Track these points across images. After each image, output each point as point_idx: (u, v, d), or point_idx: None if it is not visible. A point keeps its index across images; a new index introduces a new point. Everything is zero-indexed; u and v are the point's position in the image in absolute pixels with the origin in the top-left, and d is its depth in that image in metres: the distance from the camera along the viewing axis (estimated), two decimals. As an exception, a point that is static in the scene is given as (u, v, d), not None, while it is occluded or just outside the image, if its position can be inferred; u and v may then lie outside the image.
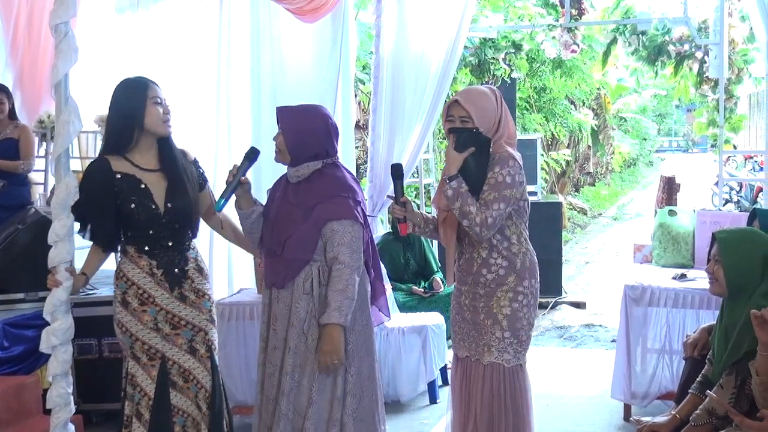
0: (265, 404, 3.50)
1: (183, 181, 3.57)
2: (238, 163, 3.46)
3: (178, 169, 3.58)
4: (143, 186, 3.50)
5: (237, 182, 3.40)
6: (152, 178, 3.53)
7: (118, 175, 3.48)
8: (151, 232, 3.51)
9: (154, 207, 3.50)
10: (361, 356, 3.50)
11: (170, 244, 3.56)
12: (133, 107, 3.48)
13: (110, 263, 6.26)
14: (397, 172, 3.53)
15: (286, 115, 3.49)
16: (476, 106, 3.36)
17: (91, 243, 3.62)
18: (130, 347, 3.51)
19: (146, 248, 3.52)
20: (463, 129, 3.37)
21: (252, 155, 3.48)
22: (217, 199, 3.48)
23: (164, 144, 3.58)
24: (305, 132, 3.44)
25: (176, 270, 3.56)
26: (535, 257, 3.54)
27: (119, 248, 3.60)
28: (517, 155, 3.46)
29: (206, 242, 5.52)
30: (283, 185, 3.55)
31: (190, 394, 3.55)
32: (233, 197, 3.47)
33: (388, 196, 3.61)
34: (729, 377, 3.37)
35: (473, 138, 3.35)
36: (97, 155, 3.65)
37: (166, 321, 3.53)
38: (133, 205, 3.47)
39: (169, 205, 3.52)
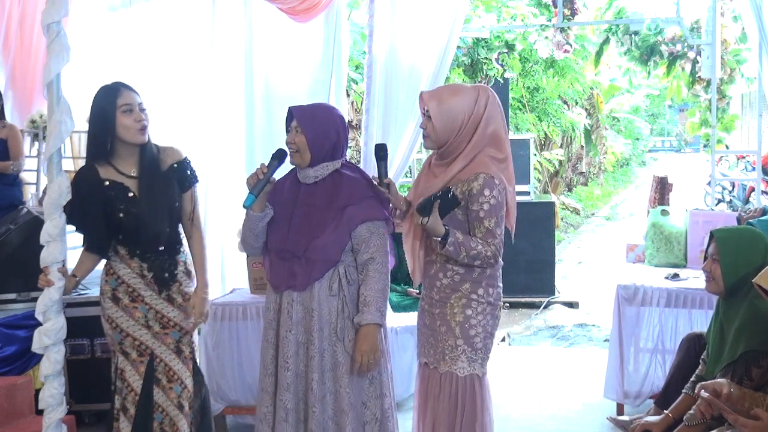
0: (283, 415, 3.40)
1: (159, 186, 3.60)
2: (266, 162, 3.40)
3: (153, 174, 3.60)
4: (131, 194, 3.55)
5: (266, 181, 3.35)
6: (136, 184, 3.57)
7: (107, 182, 3.53)
8: (141, 236, 3.58)
9: (140, 214, 3.54)
10: (389, 356, 3.55)
11: (161, 248, 3.62)
12: (105, 116, 3.51)
13: (101, 263, 6.24)
14: (380, 152, 3.41)
15: (305, 114, 3.43)
16: (439, 101, 3.23)
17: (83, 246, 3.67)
18: (119, 343, 3.57)
19: (138, 251, 3.59)
20: (417, 206, 3.25)
21: (281, 156, 3.42)
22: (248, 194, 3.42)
23: (143, 149, 3.59)
24: (326, 131, 3.40)
25: (166, 274, 3.62)
26: (499, 267, 3.38)
27: (111, 247, 3.63)
28: (499, 173, 3.28)
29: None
30: (290, 188, 3.51)
31: (172, 394, 3.59)
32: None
33: (372, 177, 3.39)
34: (724, 377, 3.37)
35: (427, 203, 3.21)
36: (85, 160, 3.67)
37: (155, 320, 3.60)
38: (121, 215, 3.53)
39: (149, 211, 3.56)
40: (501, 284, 3.41)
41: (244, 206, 3.39)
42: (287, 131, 3.46)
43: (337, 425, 3.37)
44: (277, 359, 3.45)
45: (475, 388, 3.31)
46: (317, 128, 3.38)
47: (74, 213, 3.53)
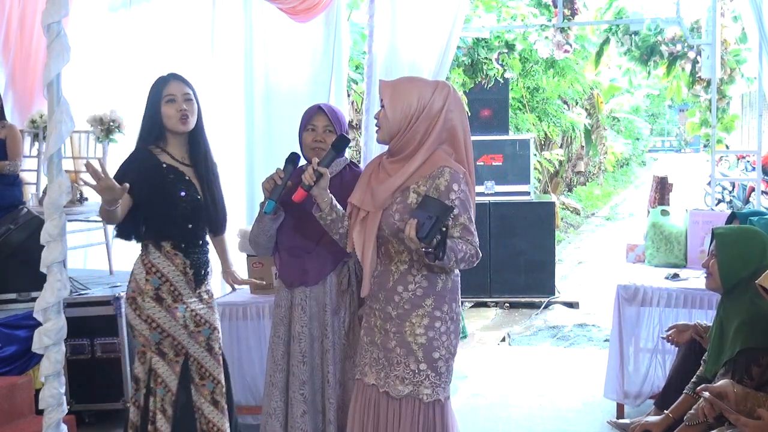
0: (303, 408, 3.52)
1: (212, 176, 3.73)
2: (281, 167, 3.47)
3: (206, 164, 3.72)
4: (187, 178, 3.64)
5: (284, 185, 3.41)
6: (190, 172, 3.67)
7: (164, 165, 3.62)
8: (190, 226, 3.64)
9: (199, 197, 3.64)
10: None
11: (200, 242, 3.71)
12: (153, 105, 3.63)
13: (102, 263, 6.23)
14: (340, 143, 3.31)
15: (334, 114, 3.58)
16: (394, 88, 3.05)
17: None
18: (157, 343, 3.59)
19: (183, 245, 3.63)
20: (419, 232, 2.79)
21: (294, 159, 3.51)
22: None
23: (193, 139, 3.70)
24: (346, 129, 3.60)
25: (203, 272, 3.71)
26: (459, 279, 3.15)
27: (150, 242, 3.64)
28: (461, 168, 3.05)
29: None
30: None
31: (205, 391, 3.67)
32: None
33: (317, 162, 3.17)
34: (725, 376, 3.38)
35: (429, 225, 2.77)
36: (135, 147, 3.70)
37: (191, 318, 3.65)
38: (183, 193, 3.60)
39: (204, 199, 3.68)
40: (460, 299, 3.16)
41: (265, 212, 3.45)
42: (307, 129, 3.57)
43: (345, 414, 3.47)
44: (288, 355, 3.56)
45: (441, 414, 3.08)
46: (343, 126, 3.57)
47: (134, 191, 3.50)
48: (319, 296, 3.54)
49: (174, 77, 3.68)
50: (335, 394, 3.51)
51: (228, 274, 4.04)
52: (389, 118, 3.02)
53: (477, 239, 3.04)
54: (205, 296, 3.74)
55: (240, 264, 5.38)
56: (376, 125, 3.12)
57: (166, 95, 3.61)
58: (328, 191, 3.20)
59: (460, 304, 3.16)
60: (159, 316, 3.58)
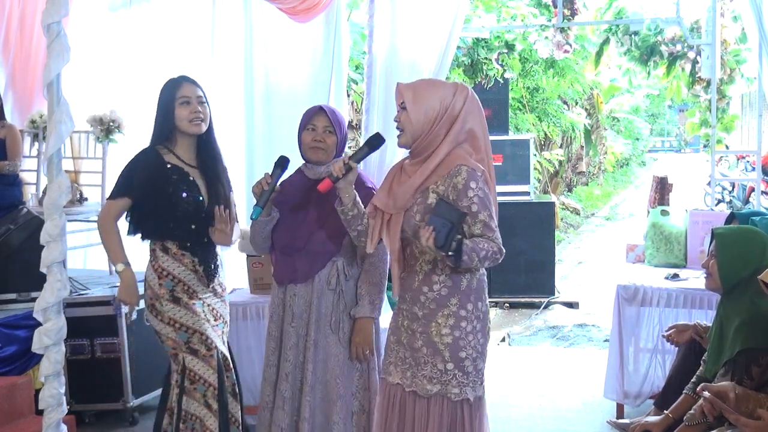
0: (280, 403, 3.57)
1: (219, 179, 3.74)
2: (269, 171, 3.49)
3: (215, 167, 3.74)
4: (191, 179, 3.67)
5: (272, 190, 3.43)
6: (195, 173, 3.70)
7: (169, 165, 3.65)
8: (193, 226, 3.67)
9: (201, 199, 3.66)
10: (379, 352, 3.63)
11: (205, 240, 3.72)
12: (166, 107, 3.65)
13: (102, 263, 6.23)
14: (376, 141, 3.26)
15: (335, 115, 3.60)
16: (415, 92, 3.07)
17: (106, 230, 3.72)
18: (186, 342, 3.63)
19: (188, 244, 3.67)
20: (436, 241, 2.86)
21: (283, 163, 3.52)
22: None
23: (203, 141, 3.72)
24: (345, 131, 3.64)
25: (212, 266, 3.75)
26: (485, 278, 3.16)
27: (157, 246, 3.68)
28: (479, 167, 3.05)
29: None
30: (299, 184, 3.62)
31: (227, 383, 3.75)
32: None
33: (345, 154, 3.21)
34: (725, 377, 3.38)
35: (445, 234, 2.86)
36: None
37: (209, 312, 3.71)
38: (185, 194, 3.62)
39: (208, 201, 3.69)
40: (487, 298, 3.17)
41: (251, 218, 3.48)
42: (307, 129, 3.59)
43: (324, 414, 3.54)
44: (279, 351, 3.61)
45: (470, 414, 3.09)
46: (343, 128, 3.60)
47: (137, 192, 3.61)
48: (306, 294, 3.57)
49: (185, 79, 3.71)
50: (313, 392, 3.52)
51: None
52: (412, 120, 3.06)
53: (499, 235, 3.04)
54: (219, 289, 3.79)
55: (240, 264, 5.39)
56: (397, 128, 3.14)
57: (180, 97, 3.64)
58: (353, 187, 3.21)
59: (486, 302, 3.16)
60: (180, 315, 3.62)
